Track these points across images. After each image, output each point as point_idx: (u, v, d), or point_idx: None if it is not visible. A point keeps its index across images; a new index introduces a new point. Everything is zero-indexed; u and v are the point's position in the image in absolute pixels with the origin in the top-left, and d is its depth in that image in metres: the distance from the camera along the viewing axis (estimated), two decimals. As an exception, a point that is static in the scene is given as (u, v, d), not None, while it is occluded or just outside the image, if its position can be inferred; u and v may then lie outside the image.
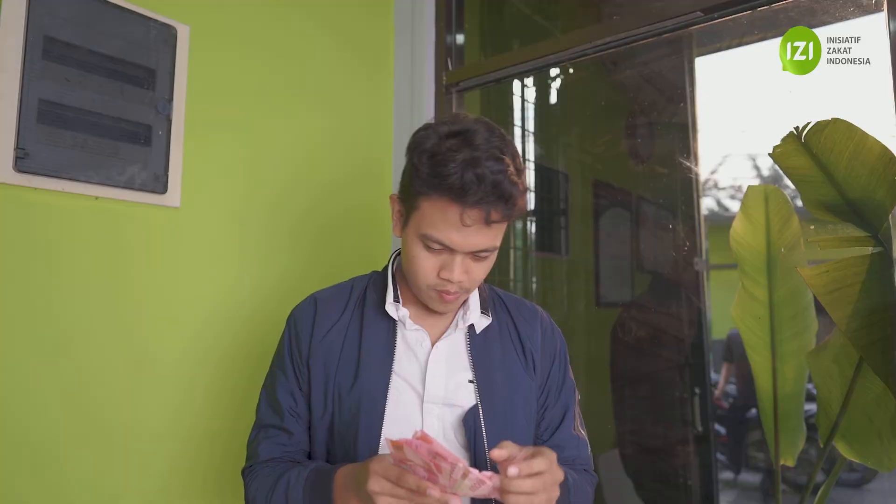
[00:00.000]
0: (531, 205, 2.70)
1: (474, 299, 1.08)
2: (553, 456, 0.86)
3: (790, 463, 1.64)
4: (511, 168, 0.91)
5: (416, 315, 1.06)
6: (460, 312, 1.07)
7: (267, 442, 1.04)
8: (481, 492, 0.82)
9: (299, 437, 1.04)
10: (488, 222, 0.91)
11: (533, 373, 1.07)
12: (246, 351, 1.50)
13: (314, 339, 1.04)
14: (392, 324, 1.05)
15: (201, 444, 1.43)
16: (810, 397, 1.61)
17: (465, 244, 0.93)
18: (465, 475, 0.79)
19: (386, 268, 1.11)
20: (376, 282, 1.11)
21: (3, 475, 1.15)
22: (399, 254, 1.10)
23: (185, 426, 1.41)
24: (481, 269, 0.98)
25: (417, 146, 0.95)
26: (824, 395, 1.51)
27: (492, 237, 0.95)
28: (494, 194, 0.89)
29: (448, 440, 0.99)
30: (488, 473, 0.82)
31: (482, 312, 1.07)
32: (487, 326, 1.07)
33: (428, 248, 0.95)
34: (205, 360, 1.45)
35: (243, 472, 1.06)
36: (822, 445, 1.52)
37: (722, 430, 3.03)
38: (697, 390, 2.44)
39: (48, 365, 1.22)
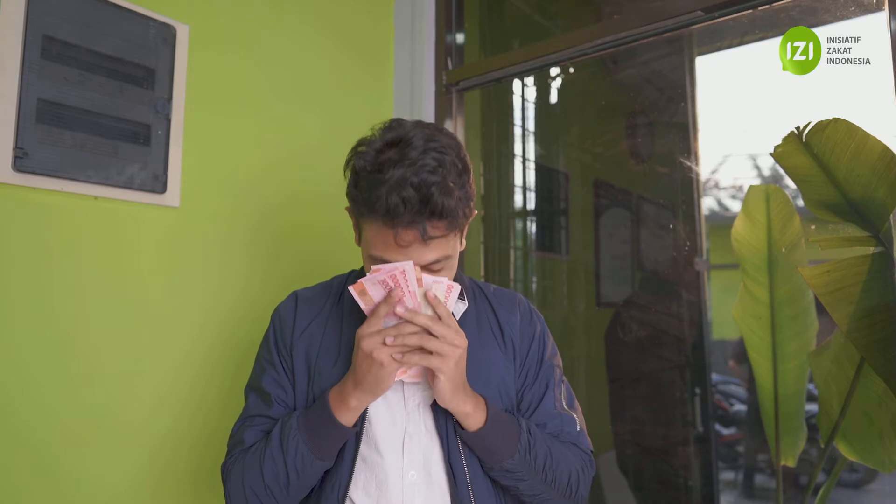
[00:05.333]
0: (531, 204, 2.70)
1: None
2: (461, 332, 0.93)
3: (791, 463, 1.63)
4: (447, 178, 0.90)
5: None
6: None
7: (252, 429, 1.02)
8: (453, 296, 0.94)
9: None
10: (425, 239, 0.91)
11: (513, 359, 1.07)
12: (246, 348, 1.50)
13: (295, 334, 1.06)
14: None
15: (207, 442, 1.42)
16: (811, 397, 1.61)
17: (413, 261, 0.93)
18: (420, 281, 0.91)
19: None
20: (356, 278, 1.12)
21: (5, 472, 1.14)
22: None
23: (187, 425, 1.41)
24: (442, 276, 0.97)
25: (348, 164, 0.98)
26: (825, 395, 1.51)
27: (439, 249, 0.94)
28: (425, 212, 0.88)
29: (429, 429, 1.00)
30: (445, 279, 0.94)
31: (458, 298, 1.07)
32: (466, 314, 1.07)
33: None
34: (206, 358, 1.45)
35: (224, 467, 1.02)
36: (822, 446, 1.51)
37: (723, 430, 3.03)
38: (697, 390, 2.44)
39: (48, 364, 1.21)
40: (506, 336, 1.08)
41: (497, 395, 1.03)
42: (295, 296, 1.12)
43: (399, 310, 0.91)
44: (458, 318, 1.06)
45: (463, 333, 0.94)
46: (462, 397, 0.94)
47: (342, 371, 1.00)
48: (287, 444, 0.94)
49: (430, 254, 0.93)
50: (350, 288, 0.92)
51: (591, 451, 1.09)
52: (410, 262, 0.89)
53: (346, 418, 0.94)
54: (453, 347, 0.91)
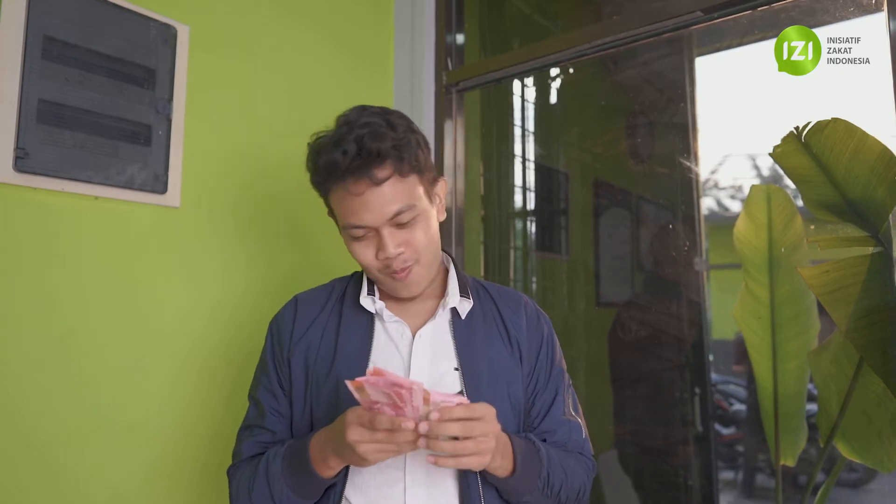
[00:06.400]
0: (531, 204, 2.70)
1: (453, 284, 1.09)
2: (490, 411, 0.86)
3: (791, 463, 1.63)
4: (382, 126, 0.95)
5: (394, 308, 1.07)
6: (441, 299, 1.08)
7: (250, 441, 1.05)
8: None
9: (282, 437, 1.05)
10: (376, 182, 0.94)
11: (519, 361, 1.06)
12: (247, 349, 1.50)
13: (294, 338, 1.06)
14: (370, 317, 1.06)
15: (211, 443, 1.43)
16: (811, 397, 1.61)
17: (375, 215, 0.95)
18: (426, 399, 0.80)
19: None
20: (356, 280, 1.13)
21: (6, 471, 1.15)
22: None
23: (188, 424, 1.41)
24: (417, 234, 0.99)
25: (307, 159, 1.03)
26: (824, 395, 1.51)
27: (398, 196, 0.96)
28: (364, 155, 0.93)
29: None
30: (457, 397, 0.83)
31: (462, 296, 1.07)
32: (472, 313, 1.07)
33: (355, 238, 0.99)
34: (208, 359, 1.45)
35: (228, 472, 1.07)
36: (822, 445, 1.52)
37: (722, 429, 3.03)
38: (697, 390, 2.44)
39: (49, 364, 1.21)
40: (512, 338, 1.08)
41: (505, 394, 1.03)
42: (295, 300, 1.12)
43: (423, 428, 0.80)
44: (462, 318, 1.06)
45: (493, 411, 0.87)
46: (493, 457, 0.89)
47: (334, 385, 1.00)
48: (273, 485, 0.95)
49: (390, 204, 0.95)
50: (347, 383, 0.82)
51: (593, 455, 1.10)
52: (421, 383, 0.79)
53: (328, 473, 0.93)
54: (489, 438, 0.85)
